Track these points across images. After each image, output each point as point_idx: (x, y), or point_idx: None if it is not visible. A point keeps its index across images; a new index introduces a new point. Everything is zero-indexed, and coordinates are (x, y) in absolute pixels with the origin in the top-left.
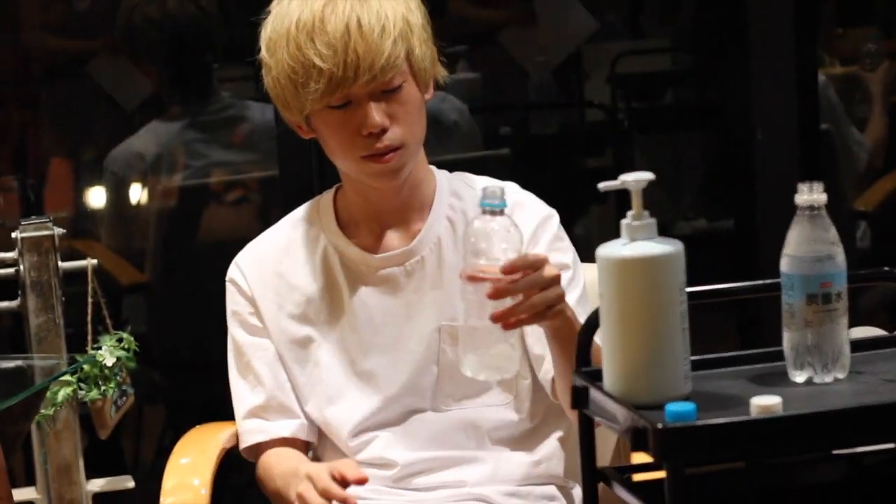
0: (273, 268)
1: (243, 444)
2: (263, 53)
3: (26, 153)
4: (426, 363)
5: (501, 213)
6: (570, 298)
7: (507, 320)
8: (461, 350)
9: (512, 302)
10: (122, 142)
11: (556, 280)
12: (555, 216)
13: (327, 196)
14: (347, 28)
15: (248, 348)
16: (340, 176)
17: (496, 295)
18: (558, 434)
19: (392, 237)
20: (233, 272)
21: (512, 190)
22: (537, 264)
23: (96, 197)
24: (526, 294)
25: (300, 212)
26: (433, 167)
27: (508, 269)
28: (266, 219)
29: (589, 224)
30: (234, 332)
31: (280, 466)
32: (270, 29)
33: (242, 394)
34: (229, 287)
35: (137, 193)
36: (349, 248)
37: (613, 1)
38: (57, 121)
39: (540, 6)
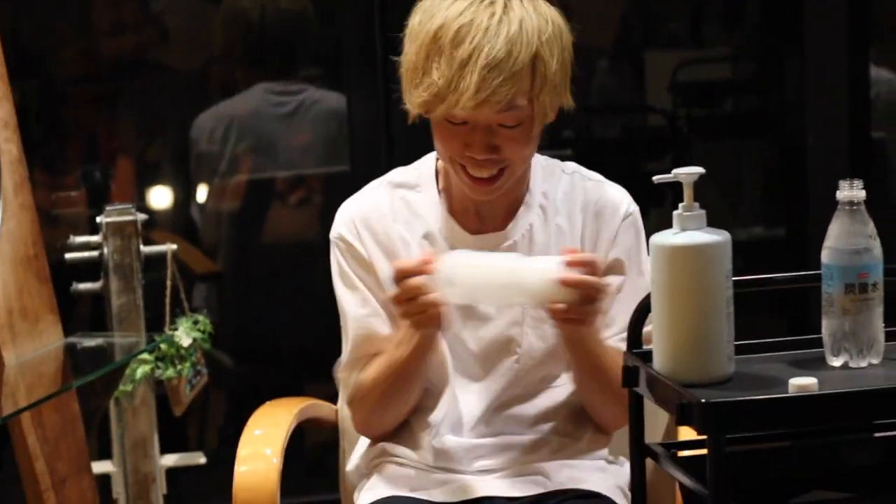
0: (383, 230)
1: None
2: (406, 33)
3: (98, 149)
4: (508, 345)
5: None
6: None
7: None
8: None
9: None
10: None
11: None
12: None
13: (428, 164)
14: (472, 55)
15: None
16: None
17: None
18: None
19: (487, 218)
20: (342, 231)
21: (599, 178)
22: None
23: (161, 196)
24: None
25: (398, 177)
26: None
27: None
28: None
29: (647, 225)
30: (340, 288)
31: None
32: (420, 18)
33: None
34: (340, 246)
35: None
36: (448, 223)
37: (676, 9)
38: (127, 119)
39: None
